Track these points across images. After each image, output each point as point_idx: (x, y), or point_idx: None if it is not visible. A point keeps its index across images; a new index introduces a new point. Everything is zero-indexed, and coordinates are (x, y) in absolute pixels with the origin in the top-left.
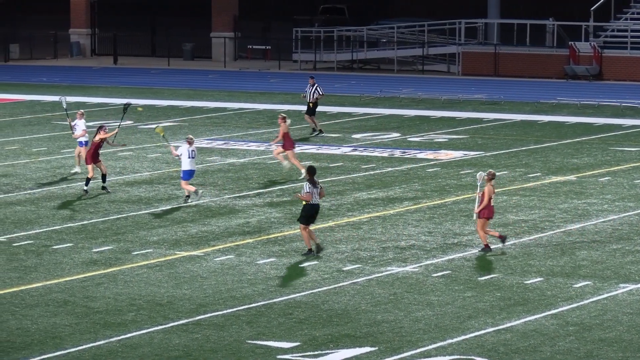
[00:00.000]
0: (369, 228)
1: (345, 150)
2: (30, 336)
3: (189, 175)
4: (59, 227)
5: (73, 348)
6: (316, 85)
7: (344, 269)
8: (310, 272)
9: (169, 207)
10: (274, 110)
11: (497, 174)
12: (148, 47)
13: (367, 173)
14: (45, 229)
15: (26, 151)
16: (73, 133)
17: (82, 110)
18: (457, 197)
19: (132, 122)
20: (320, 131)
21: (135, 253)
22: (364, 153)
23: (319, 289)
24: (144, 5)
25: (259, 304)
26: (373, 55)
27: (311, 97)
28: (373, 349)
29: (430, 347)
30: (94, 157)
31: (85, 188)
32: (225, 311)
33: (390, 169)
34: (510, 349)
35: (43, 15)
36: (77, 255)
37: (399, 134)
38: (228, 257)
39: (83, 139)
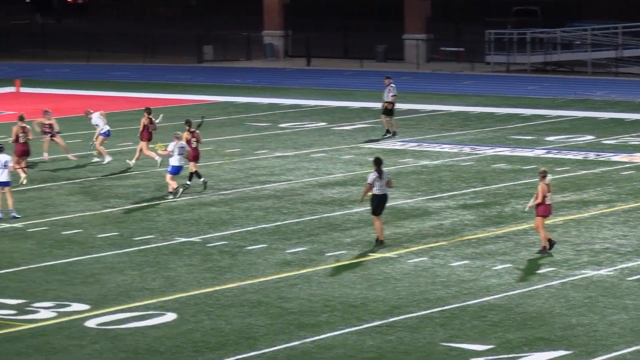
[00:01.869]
0: (563, 231)
1: (538, 152)
2: (225, 336)
3: (177, 170)
4: (253, 228)
5: (267, 349)
6: (391, 84)
7: (538, 272)
8: (504, 275)
9: (362, 208)
10: (467, 112)
11: None
12: (341, 49)
13: (560, 176)
14: (239, 230)
15: (220, 152)
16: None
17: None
18: None
19: (325, 123)
20: (394, 133)
21: (329, 254)
22: (558, 155)
23: (513, 292)
24: (337, 7)
25: (452, 306)
26: (566, 57)
27: (387, 97)
28: (568, 352)
29: (625, 351)
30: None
31: (188, 183)
32: (418, 313)
33: (584, 171)
34: None
35: (236, 16)
36: (271, 256)
37: (593, 137)
38: (421, 259)
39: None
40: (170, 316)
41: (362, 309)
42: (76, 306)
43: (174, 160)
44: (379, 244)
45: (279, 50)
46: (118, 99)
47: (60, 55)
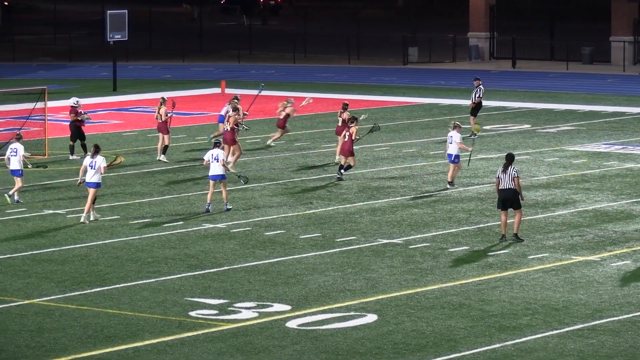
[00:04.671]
0: None
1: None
2: (425, 338)
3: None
4: (455, 230)
5: (468, 351)
6: (480, 86)
7: None
8: None
9: (565, 211)
10: None
11: None
12: (546, 51)
13: None
14: (441, 232)
15: (424, 154)
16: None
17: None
18: None
19: (529, 126)
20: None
21: (531, 257)
22: None
23: None
24: (543, 9)
25: None
26: None
27: (474, 98)
28: None
29: None
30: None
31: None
32: (621, 317)
33: None
34: None
35: (442, 18)
36: (473, 258)
37: None
38: (624, 262)
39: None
40: (371, 317)
41: (563, 312)
42: (278, 307)
43: (451, 149)
44: (502, 238)
45: (484, 52)
46: (323, 100)
47: (266, 57)
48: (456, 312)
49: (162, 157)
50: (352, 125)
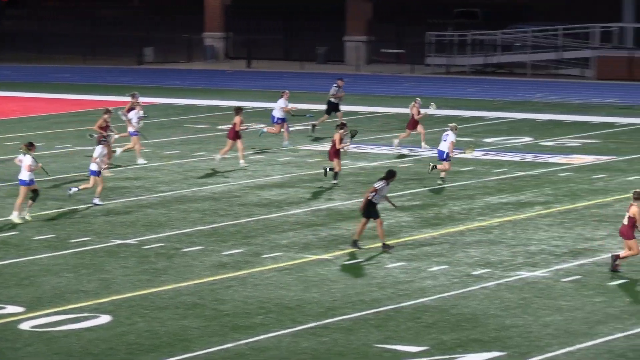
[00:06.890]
0: (500, 232)
1: (476, 154)
2: (159, 338)
3: (442, 155)
4: (190, 230)
5: (201, 351)
6: (340, 87)
7: (474, 273)
8: (440, 276)
9: (299, 210)
10: (406, 114)
11: (630, 178)
12: (281, 51)
13: (498, 177)
14: (176, 232)
15: (158, 154)
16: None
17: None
18: (589, 202)
19: (264, 125)
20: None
21: (265, 256)
22: (496, 157)
23: (448, 293)
24: (277, 9)
25: (388, 307)
26: (506, 59)
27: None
28: (501, 353)
29: (558, 352)
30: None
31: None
32: (353, 315)
33: (521, 173)
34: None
35: (178, 18)
36: (207, 258)
37: (531, 138)
38: (357, 260)
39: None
40: (105, 318)
41: (297, 310)
42: (10, 308)
43: (442, 146)
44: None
45: (220, 52)
46: (58, 100)
47: (1, 58)
48: (190, 312)
49: None
50: (341, 131)
